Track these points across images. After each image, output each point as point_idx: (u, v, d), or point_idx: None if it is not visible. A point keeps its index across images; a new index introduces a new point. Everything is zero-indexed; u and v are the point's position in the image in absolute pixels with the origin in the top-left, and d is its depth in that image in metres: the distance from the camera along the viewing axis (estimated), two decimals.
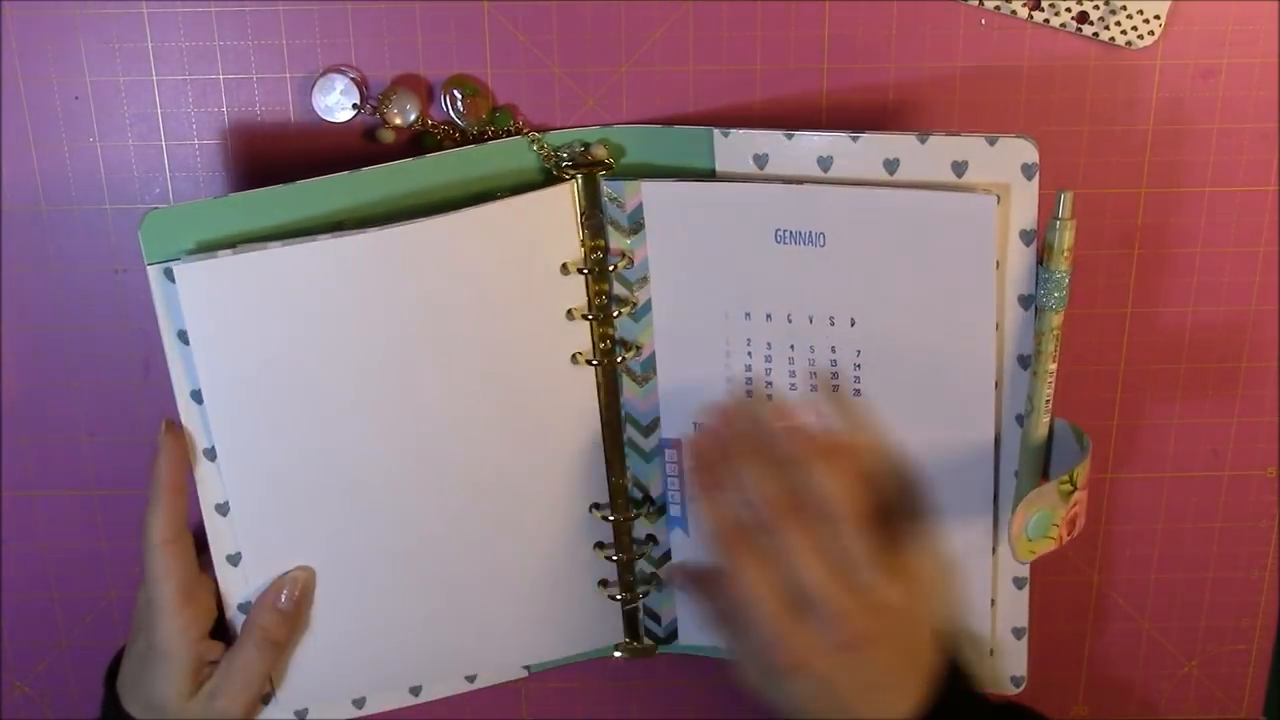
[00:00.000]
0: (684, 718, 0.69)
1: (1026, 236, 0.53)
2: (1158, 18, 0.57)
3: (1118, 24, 0.57)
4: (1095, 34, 0.57)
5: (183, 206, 0.53)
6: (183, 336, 0.54)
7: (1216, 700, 0.69)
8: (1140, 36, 0.57)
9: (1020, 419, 0.56)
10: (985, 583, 0.59)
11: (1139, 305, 0.62)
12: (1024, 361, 0.55)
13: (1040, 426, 0.55)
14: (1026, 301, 0.54)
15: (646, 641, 0.64)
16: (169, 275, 0.53)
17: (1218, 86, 0.58)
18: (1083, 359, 0.62)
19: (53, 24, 0.56)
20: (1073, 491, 0.53)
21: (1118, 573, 0.66)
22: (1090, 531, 0.65)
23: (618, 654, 0.64)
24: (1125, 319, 0.62)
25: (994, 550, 0.59)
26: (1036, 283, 0.54)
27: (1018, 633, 0.60)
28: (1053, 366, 0.54)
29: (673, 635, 0.64)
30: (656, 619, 0.63)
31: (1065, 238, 0.52)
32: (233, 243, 0.53)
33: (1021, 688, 0.62)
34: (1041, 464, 0.56)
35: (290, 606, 0.57)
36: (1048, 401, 0.55)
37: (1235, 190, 0.60)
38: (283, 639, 0.57)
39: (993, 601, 0.60)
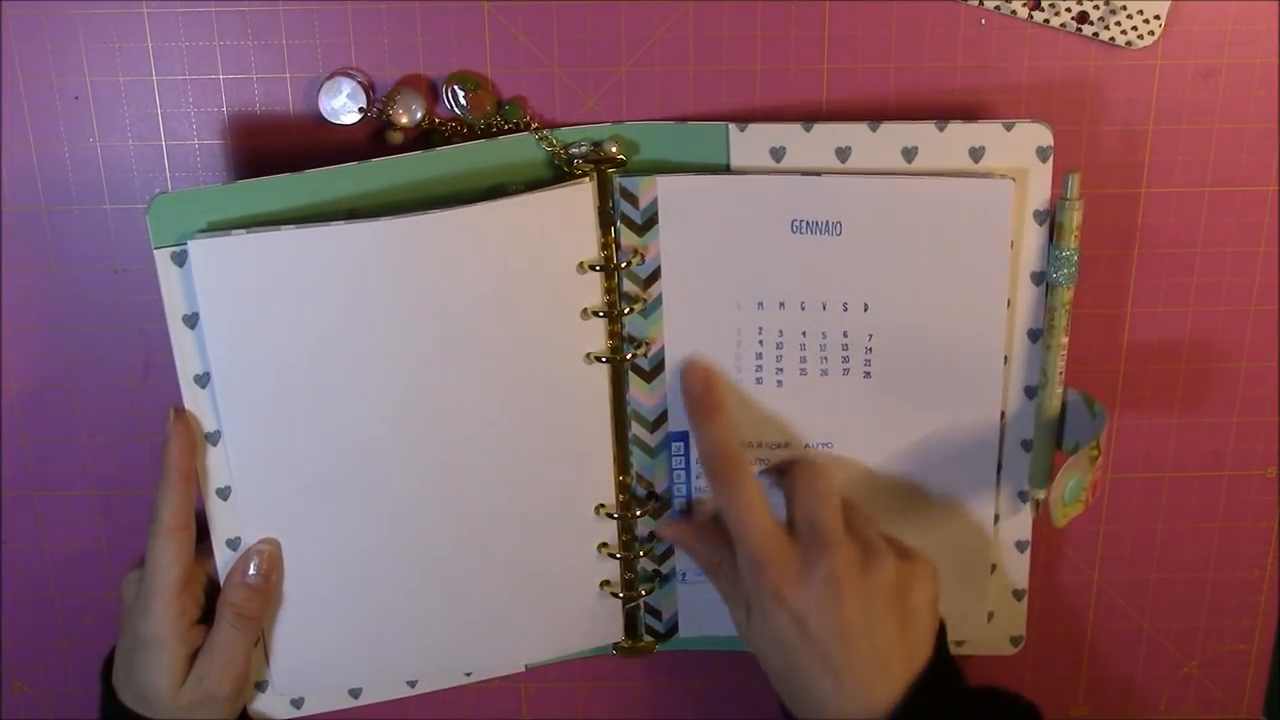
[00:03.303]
0: (684, 718, 0.69)
1: (1040, 216, 0.57)
2: (1158, 18, 0.57)
3: (1118, 24, 0.57)
4: (1095, 34, 0.57)
5: (191, 191, 0.53)
6: (188, 321, 0.54)
7: (1216, 700, 0.69)
8: (1140, 36, 0.57)
9: (1030, 391, 0.59)
10: (987, 551, 0.61)
11: (1139, 305, 0.62)
12: (1033, 335, 0.58)
13: (1054, 397, 0.58)
14: (1038, 278, 0.58)
15: (646, 639, 0.64)
16: (176, 260, 0.53)
17: (1218, 86, 0.58)
18: (1083, 359, 0.62)
19: (53, 24, 0.56)
20: (1097, 457, 0.56)
21: (1118, 573, 0.66)
22: (1090, 531, 0.65)
23: (616, 652, 0.64)
24: (1125, 319, 0.62)
25: (996, 519, 0.61)
26: (1048, 261, 0.57)
27: (1018, 594, 0.63)
28: (1065, 339, 0.57)
29: (673, 630, 0.64)
30: (657, 615, 0.63)
31: (1074, 217, 0.56)
32: (241, 227, 0.53)
33: (1020, 646, 0.64)
34: (1055, 433, 0.59)
35: (259, 580, 0.57)
36: (1060, 373, 0.58)
37: (1235, 190, 0.60)
38: (256, 613, 0.57)
39: (994, 567, 0.62)
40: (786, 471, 0.57)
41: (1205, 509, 0.65)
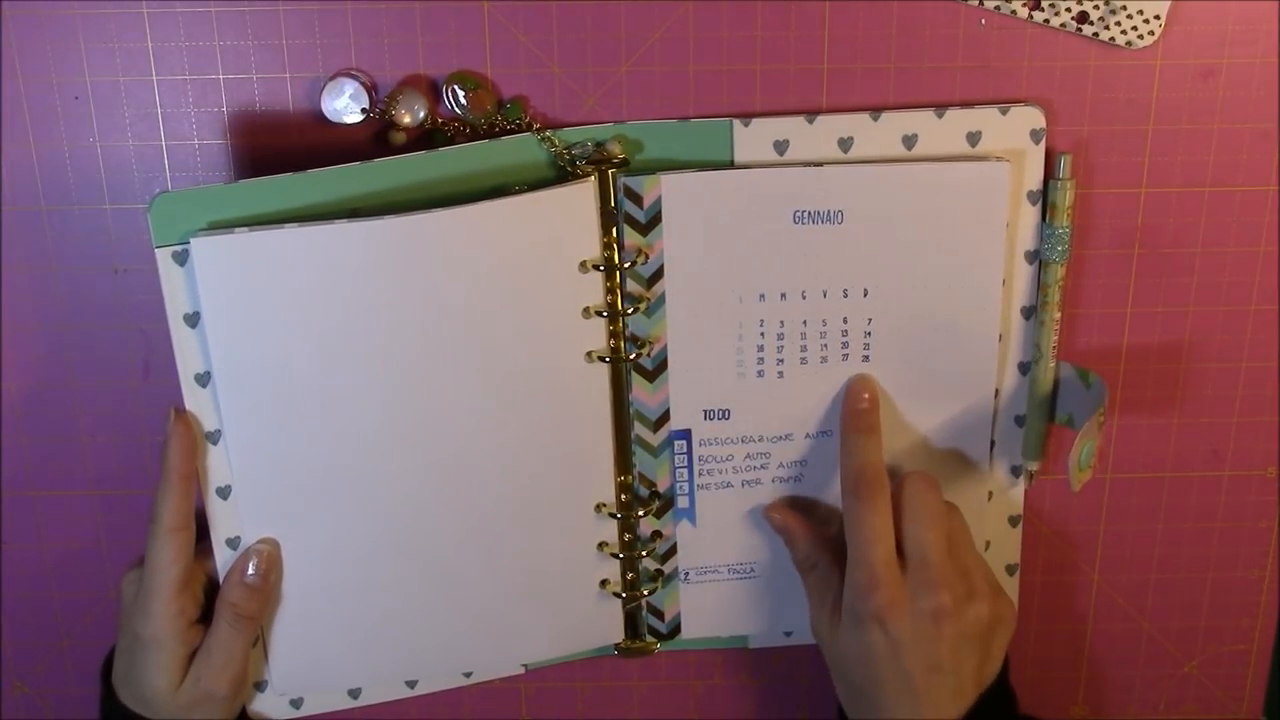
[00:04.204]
0: (684, 718, 0.69)
1: (1033, 197, 0.58)
2: (1158, 18, 0.57)
3: (1118, 24, 0.57)
4: (1095, 34, 0.57)
5: (193, 190, 0.53)
6: (189, 320, 0.54)
7: (1216, 700, 0.69)
8: (1140, 36, 0.57)
9: (1023, 367, 0.61)
10: (980, 529, 0.62)
11: (1139, 305, 0.62)
12: (1026, 312, 0.60)
13: (1048, 371, 0.60)
14: (1031, 257, 0.59)
15: (648, 639, 0.64)
16: (177, 259, 0.53)
17: (1218, 86, 0.58)
18: (1083, 359, 0.62)
19: (53, 24, 0.56)
20: (1103, 423, 0.58)
21: (1118, 573, 0.66)
22: (1090, 531, 0.65)
23: (617, 652, 0.64)
24: (1125, 319, 0.62)
25: (990, 496, 0.62)
26: (1041, 238, 0.58)
27: (1011, 569, 0.65)
28: (1058, 315, 0.59)
29: (676, 631, 0.64)
30: (660, 615, 0.63)
31: (1066, 196, 0.57)
32: (243, 226, 0.53)
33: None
34: (1049, 407, 0.60)
35: (258, 580, 0.57)
36: (1054, 347, 0.59)
37: (1235, 190, 0.60)
38: (254, 613, 0.57)
39: (988, 544, 0.63)
40: (897, 483, 0.57)
41: (1205, 509, 0.65)
